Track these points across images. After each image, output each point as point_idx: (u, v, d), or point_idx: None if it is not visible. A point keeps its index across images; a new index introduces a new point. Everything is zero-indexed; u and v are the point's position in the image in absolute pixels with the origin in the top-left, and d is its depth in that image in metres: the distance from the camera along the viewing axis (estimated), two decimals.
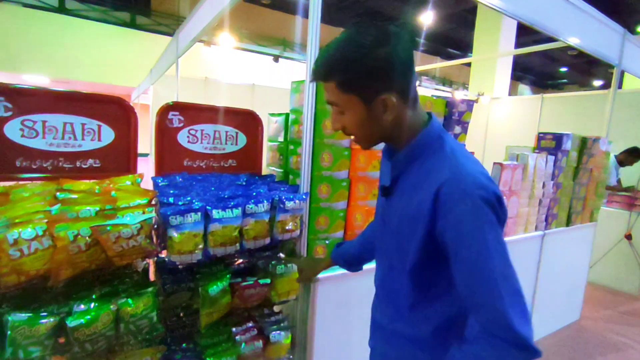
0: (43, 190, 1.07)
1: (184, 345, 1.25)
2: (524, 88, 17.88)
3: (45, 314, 0.92)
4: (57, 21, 8.77)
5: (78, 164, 1.23)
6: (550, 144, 2.37)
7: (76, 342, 0.94)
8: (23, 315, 0.89)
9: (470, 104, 1.88)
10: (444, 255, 0.71)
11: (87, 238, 0.93)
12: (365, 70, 0.70)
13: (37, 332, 0.90)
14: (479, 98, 6.73)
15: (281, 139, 1.63)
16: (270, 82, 6.77)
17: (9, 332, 0.87)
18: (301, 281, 1.37)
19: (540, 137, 2.43)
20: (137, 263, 1.24)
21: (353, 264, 1.21)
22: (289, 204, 1.27)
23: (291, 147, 1.53)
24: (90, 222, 0.95)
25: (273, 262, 1.31)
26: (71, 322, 0.92)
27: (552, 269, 2.48)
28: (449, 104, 1.78)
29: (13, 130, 1.11)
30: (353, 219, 1.56)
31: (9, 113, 1.09)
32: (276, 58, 5.06)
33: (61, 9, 9.19)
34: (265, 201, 1.23)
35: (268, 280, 1.29)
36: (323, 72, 0.75)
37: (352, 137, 0.82)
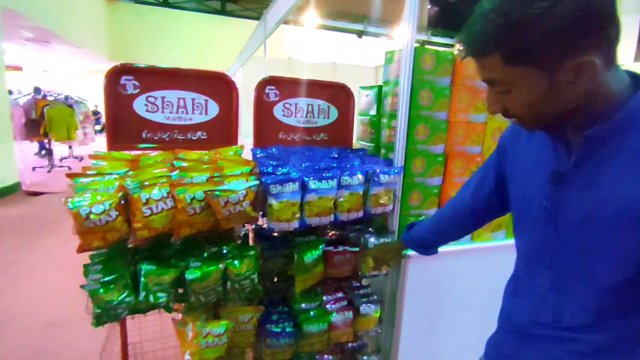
0: (163, 158, 1.21)
1: (279, 308, 1.33)
2: None
3: (168, 266, 1.05)
4: (161, 14, 9.76)
5: (189, 135, 1.35)
6: None
7: (192, 293, 1.06)
8: (153, 266, 1.02)
9: None
10: None
11: (201, 201, 1.02)
12: (547, 32, 0.51)
13: (163, 280, 1.03)
14: None
15: (373, 112, 1.59)
16: (352, 60, 6.68)
17: (142, 279, 1.01)
18: (375, 270, 1.32)
19: None
20: (238, 229, 1.34)
21: (427, 247, 1.12)
22: (384, 178, 1.24)
23: (384, 120, 1.48)
24: (203, 187, 1.04)
25: (365, 236, 1.30)
26: (189, 275, 1.03)
27: None
28: None
29: (140, 106, 1.25)
30: (448, 196, 1.47)
31: (137, 90, 1.24)
32: (360, 34, 4.94)
33: (165, 3, 10.17)
34: (359, 174, 1.22)
35: (357, 249, 1.30)
36: (481, 45, 0.57)
37: (515, 119, 0.64)
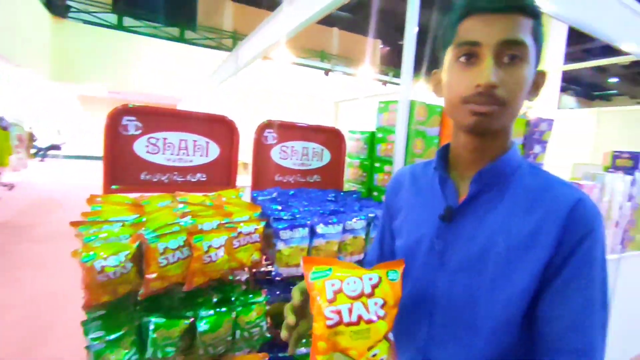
0: (166, 202, 1.17)
1: (280, 354, 1.30)
2: (568, 100, 17.10)
3: (178, 317, 1.00)
4: (114, 37, 9.41)
5: (188, 177, 1.33)
6: (627, 162, 2.27)
7: (202, 345, 1.01)
8: (162, 319, 0.97)
9: (550, 122, 1.86)
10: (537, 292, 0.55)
11: (217, 249, 1.00)
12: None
13: (173, 334, 0.97)
14: (527, 112, 6.52)
15: (364, 156, 1.67)
16: (312, 92, 6.90)
17: (151, 335, 0.95)
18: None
19: (616, 155, 2.34)
20: (239, 273, 1.31)
21: None
22: None
23: (377, 164, 1.57)
24: (216, 234, 1.02)
25: None
26: (201, 326, 0.99)
27: (629, 294, 2.36)
28: (531, 123, 1.76)
29: (141, 147, 1.22)
30: None
31: (139, 131, 1.21)
32: (327, 72, 5.20)
33: (119, 26, 9.85)
34: (362, 218, 1.28)
35: None
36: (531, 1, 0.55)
37: (496, 106, 0.55)
